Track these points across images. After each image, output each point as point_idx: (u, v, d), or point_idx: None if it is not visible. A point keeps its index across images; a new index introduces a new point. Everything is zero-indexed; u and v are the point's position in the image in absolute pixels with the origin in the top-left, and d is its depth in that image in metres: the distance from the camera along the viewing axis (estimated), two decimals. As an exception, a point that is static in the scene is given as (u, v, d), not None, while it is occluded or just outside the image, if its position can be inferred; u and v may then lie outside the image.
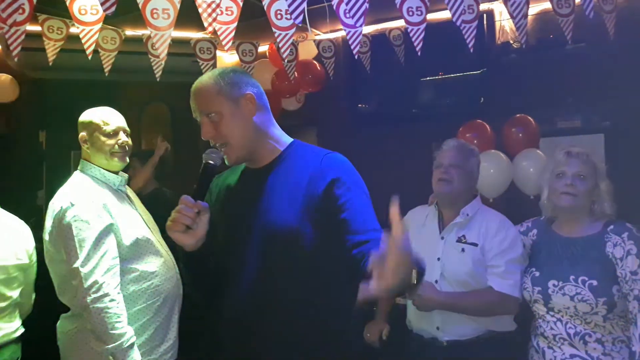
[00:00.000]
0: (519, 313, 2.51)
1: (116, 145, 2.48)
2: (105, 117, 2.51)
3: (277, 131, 1.92)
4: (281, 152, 1.90)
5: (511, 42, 4.04)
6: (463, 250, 2.52)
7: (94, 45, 2.97)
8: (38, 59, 3.52)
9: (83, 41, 2.95)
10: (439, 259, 2.54)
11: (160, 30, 2.78)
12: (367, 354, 2.51)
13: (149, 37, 2.88)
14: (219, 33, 2.80)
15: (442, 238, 2.58)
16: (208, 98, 1.81)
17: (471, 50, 2.86)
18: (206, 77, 1.85)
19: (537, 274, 2.35)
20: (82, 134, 2.52)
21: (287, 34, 2.78)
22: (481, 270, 2.49)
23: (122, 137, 2.53)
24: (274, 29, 2.78)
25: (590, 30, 3.33)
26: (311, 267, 1.76)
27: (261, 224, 1.80)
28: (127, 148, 2.53)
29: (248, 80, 1.88)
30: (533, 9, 3.86)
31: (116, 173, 2.56)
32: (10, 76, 4.41)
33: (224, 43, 2.82)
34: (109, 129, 2.48)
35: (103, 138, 2.47)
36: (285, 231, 1.75)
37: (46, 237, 2.43)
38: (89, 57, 2.99)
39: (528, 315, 2.45)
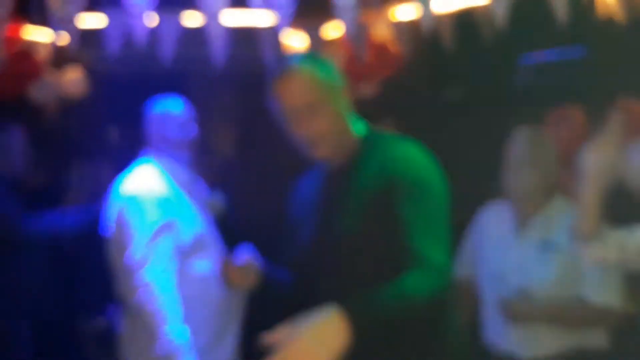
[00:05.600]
0: (615, 326, 2.25)
1: (178, 136, 2.42)
2: (177, 108, 2.46)
3: None
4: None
5: (615, 16, 3.59)
6: (547, 252, 2.26)
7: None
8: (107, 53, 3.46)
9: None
10: (516, 263, 2.29)
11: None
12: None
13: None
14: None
15: (520, 239, 2.28)
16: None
17: (562, 25, 2.53)
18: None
19: None
20: (154, 125, 2.47)
21: (351, 14, 2.58)
22: (571, 275, 2.21)
23: (194, 129, 2.47)
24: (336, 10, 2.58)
25: None
26: None
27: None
28: (190, 138, 2.51)
29: None
30: (642, -24, 3.39)
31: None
32: (80, 70, 4.37)
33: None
34: (181, 120, 2.42)
35: (175, 129, 2.41)
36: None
37: (109, 230, 2.40)
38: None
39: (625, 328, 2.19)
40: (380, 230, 1.61)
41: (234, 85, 4.68)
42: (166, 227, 2.30)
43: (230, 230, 1.67)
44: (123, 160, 3.28)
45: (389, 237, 1.59)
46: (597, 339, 2.28)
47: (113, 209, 2.39)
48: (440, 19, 3.12)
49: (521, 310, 2.24)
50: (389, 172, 1.65)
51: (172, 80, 3.97)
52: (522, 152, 2.36)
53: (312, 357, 1.31)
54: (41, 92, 4.18)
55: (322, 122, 1.67)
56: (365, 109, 4.10)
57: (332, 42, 4.04)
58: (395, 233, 1.57)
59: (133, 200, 2.32)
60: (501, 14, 2.62)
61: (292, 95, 1.68)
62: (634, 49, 3.51)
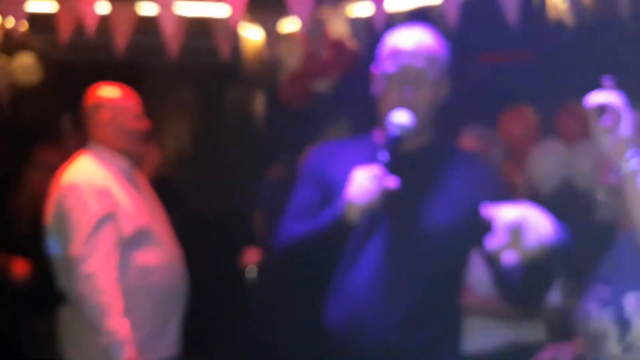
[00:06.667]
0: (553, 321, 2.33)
1: (132, 126, 2.38)
2: (121, 96, 2.41)
3: None
4: None
5: (564, 19, 3.67)
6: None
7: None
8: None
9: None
10: None
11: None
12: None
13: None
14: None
15: None
16: None
17: (512, 27, 2.58)
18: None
19: (605, 289, 1.65)
20: (97, 113, 2.42)
21: (305, 9, 2.58)
22: None
23: (139, 118, 2.43)
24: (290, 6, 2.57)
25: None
26: None
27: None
28: (142, 130, 2.44)
29: None
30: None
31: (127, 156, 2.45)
32: (33, 56, 4.27)
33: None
34: (126, 108, 2.38)
35: (119, 118, 2.37)
36: None
37: (48, 220, 2.33)
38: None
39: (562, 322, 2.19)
40: (470, 226, 1.64)
41: (189, 75, 4.63)
42: (108, 218, 2.26)
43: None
44: (77, 149, 3.23)
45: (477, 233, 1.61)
46: (535, 333, 2.33)
47: (53, 199, 2.34)
48: (394, 17, 3.15)
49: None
50: (477, 171, 1.75)
51: (126, 69, 3.92)
52: (469, 149, 2.43)
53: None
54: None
55: (425, 94, 1.68)
56: (322, 105, 4.10)
57: (289, 37, 4.05)
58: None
59: (73, 190, 2.28)
60: (452, 14, 2.65)
61: (416, 57, 1.67)
62: (582, 52, 3.59)
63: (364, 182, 1.56)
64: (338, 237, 1.61)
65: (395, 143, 1.63)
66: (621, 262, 1.66)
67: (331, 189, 1.72)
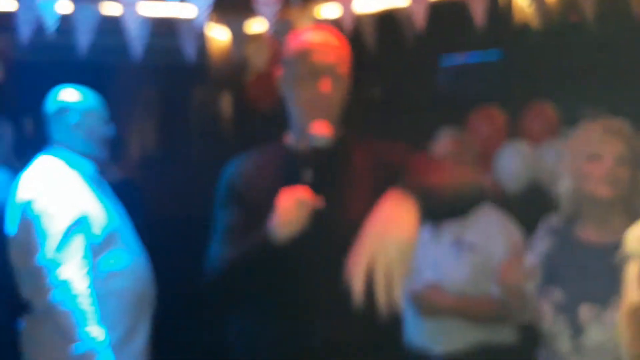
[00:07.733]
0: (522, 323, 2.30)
1: (100, 131, 2.34)
2: (90, 100, 2.40)
3: None
4: None
5: (530, 23, 3.71)
6: (461, 252, 2.31)
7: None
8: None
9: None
10: (430, 260, 2.29)
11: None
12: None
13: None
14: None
15: (436, 238, 2.30)
16: None
17: (479, 28, 2.60)
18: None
19: (561, 295, 1.80)
20: (64, 116, 2.38)
21: (272, 11, 2.56)
22: (482, 274, 2.28)
23: (106, 123, 2.42)
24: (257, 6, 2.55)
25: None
26: None
27: None
28: (109, 134, 2.38)
29: None
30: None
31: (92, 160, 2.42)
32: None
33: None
34: (94, 113, 2.34)
35: (87, 122, 2.32)
36: None
37: (11, 228, 2.27)
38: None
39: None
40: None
41: (153, 76, 4.57)
42: (78, 224, 2.23)
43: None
44: (34, 153, 3.14)
45: None
46: (505, 334, 2.36)
47: (17, 206, 2.27)
48: (361, 18, 3.14)
49: (430, 300, 2.28)
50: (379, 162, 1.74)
51: (88, 70, 3.85)
52: (445, 151, 2.42)
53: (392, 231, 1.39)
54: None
55: (338, 89, 1.70)
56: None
57: (256, 37, 4.01)
58: None
59: (40, 197, 2.22)
60: (420, 16, 2.65)
61: (326, 52, 1.69)
62: (547, 54, 3.64)
63: (292, 209, 1.53)
64: (267, 257, 1.60)
65: (319, 156, 1.62)
66: (580, 271, 1.75)
67: (254, 204, 1.70)
